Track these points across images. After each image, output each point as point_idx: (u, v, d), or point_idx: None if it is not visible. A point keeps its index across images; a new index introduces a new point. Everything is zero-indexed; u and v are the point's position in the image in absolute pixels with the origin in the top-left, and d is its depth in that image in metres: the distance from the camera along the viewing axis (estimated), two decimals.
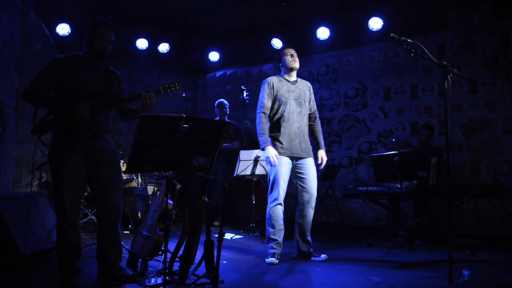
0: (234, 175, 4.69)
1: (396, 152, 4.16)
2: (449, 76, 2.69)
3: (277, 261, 3.42)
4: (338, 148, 6.32)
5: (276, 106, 3.56)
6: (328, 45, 6.04)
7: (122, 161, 4.94)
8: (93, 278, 2.86)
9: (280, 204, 3.50)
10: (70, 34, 5.71)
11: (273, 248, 3.49)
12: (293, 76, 3.69)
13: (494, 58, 5.05)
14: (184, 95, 6.06)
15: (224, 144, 5.44)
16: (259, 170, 4.77)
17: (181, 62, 7.24)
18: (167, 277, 2.47)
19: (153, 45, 6.61)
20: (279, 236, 3.52)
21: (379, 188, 4.51)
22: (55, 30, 5.65)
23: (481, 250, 3.90)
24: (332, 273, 3.15)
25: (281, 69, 3.72)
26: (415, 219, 4.45)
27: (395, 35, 2.87)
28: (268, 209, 3.54)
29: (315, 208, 3.64)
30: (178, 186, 4.90)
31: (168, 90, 2.81)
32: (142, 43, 6.46)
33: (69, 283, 2.65)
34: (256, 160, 4.69)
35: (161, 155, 2.33)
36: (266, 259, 3.49)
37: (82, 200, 4.51)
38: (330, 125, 6.40)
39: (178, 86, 2.83)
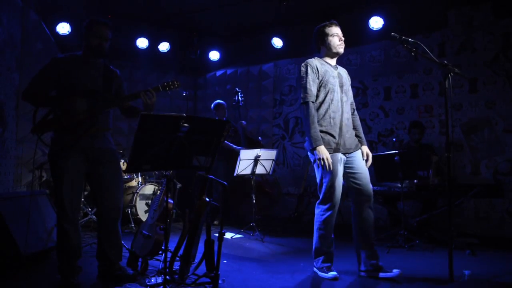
0: (234, 174, 4.69)
1: (397, 151, 4.16)
2: (449, 76, 2.69)
3: (338, 275, 2.97)
4: None
5: (322, 94, 3.00)
6: None
7: (122, 161, 4.95)
8: (93, 278, 2.86)
9: (335, 212, 3.02)
10: (70, 33, 5.72)
11: (326, 261, 3.04)
12: (335, 60, 3.19)
13: (495, 57, 5.05)
14: (184, 94, 6.07)
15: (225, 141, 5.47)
16: (259, 170, 4.77)
17: (182, 61, 7.25)
18: (167, 277, 2.47)
19: (154, 44, 6.62)
20: (332, 247, 3.07)
21: (379, 187, 4.50)
22: (55, 29, 5.65)
23: (481, 250, 3.90)
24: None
25: (320, 49, 3.17)
26: (416, 219, 4.45)
27: (395, 34, 2.87)
28: (320, 218, 3.02)
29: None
30: (178, 185, 4.90)
31: (167, 88, 2.81)
32: (142, 42, 6.47)
33: (69, 283, 2.65)
34: (256, 160, 4.68)
35: (162, 155, 2.33)
36: (323, 274, 2.99)
37: (82, 199, 4.52)
38: None
39: (177, 84, 2.83)
